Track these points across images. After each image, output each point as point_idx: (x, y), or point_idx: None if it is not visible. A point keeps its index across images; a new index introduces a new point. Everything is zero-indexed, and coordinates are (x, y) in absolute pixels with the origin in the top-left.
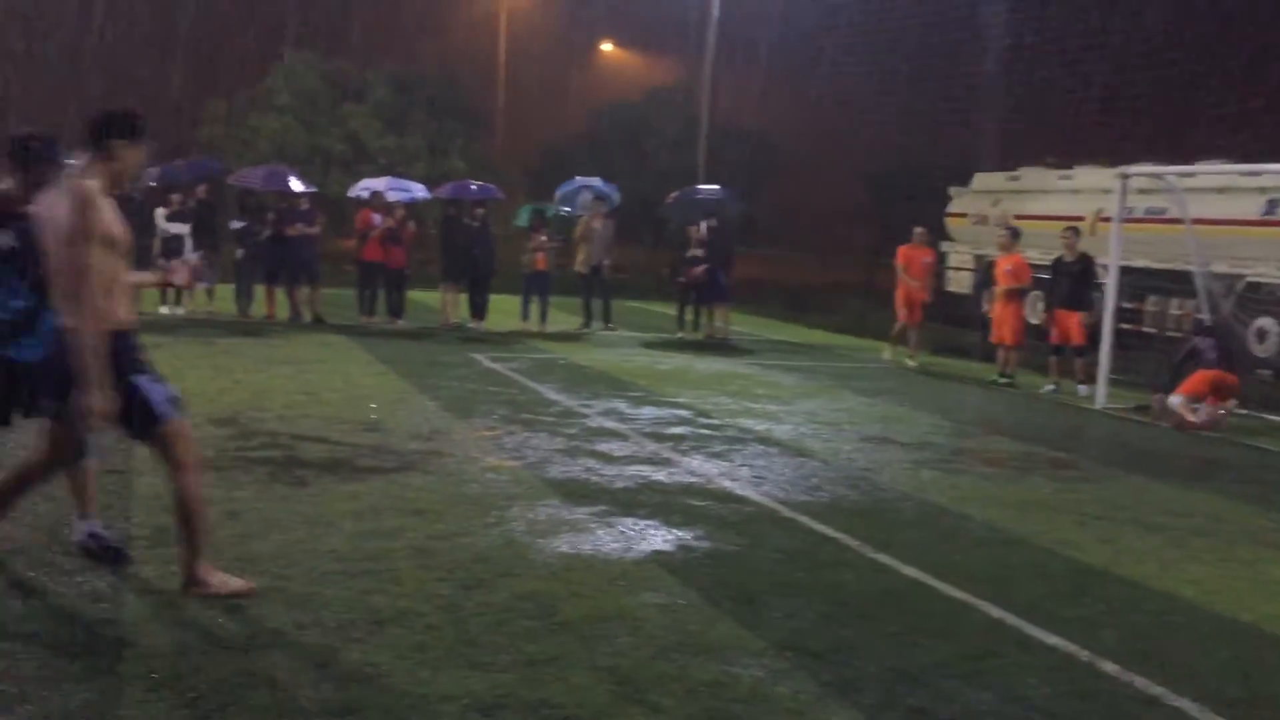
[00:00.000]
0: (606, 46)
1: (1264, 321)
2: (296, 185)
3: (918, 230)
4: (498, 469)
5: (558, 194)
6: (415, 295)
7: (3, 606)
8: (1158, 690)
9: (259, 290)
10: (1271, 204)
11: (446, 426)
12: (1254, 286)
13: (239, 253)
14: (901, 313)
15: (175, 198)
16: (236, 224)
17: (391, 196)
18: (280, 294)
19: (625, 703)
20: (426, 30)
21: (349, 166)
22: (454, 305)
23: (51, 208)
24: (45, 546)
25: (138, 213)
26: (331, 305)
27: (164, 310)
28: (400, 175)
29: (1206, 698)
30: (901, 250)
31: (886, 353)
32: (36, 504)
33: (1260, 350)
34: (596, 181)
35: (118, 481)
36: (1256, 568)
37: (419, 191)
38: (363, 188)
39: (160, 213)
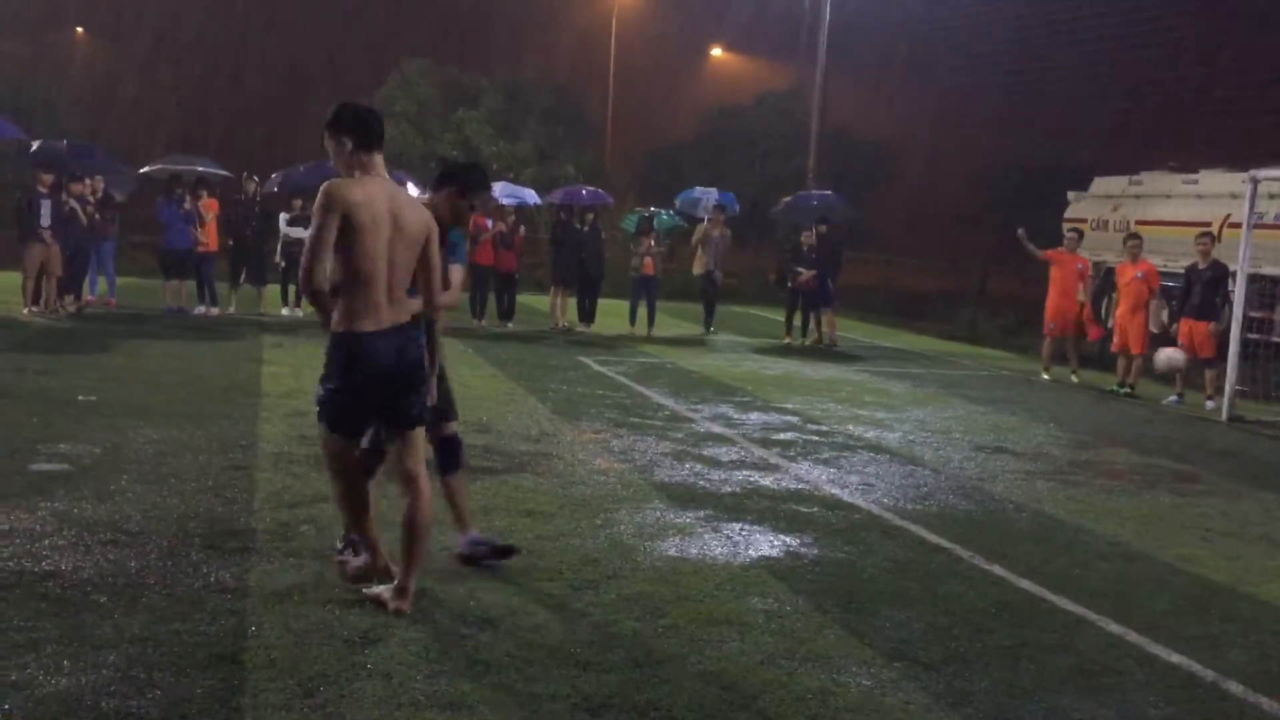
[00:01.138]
0: (716, 51)
1: None
2: (412, 190)
3: (1069, 235)
4: (605, 472)
5: (678, 202)
6: (525, 299)
7: (132, 595)
8: None
9: None
10: None
11: (555, 429)
12: None
13: None
14: (1050, 327)
15: (297, 202)
16: None
17: (504, 202)
18: None
19: (732, 708)
20: (538, 37)
21: None
22: (563, 309)
23: (402, 209)
24: (173, 539)
25: (261, 217)
26: None
27: (285, 312)
28: (512, 180)
29: None
30: (1049, 254)
31: (1045, 373)
32: (165, 497)
33: None
34: (714, 192)
35: (242, 477)
36: None
37: (530, 196)
38: None
39: (283, 217)
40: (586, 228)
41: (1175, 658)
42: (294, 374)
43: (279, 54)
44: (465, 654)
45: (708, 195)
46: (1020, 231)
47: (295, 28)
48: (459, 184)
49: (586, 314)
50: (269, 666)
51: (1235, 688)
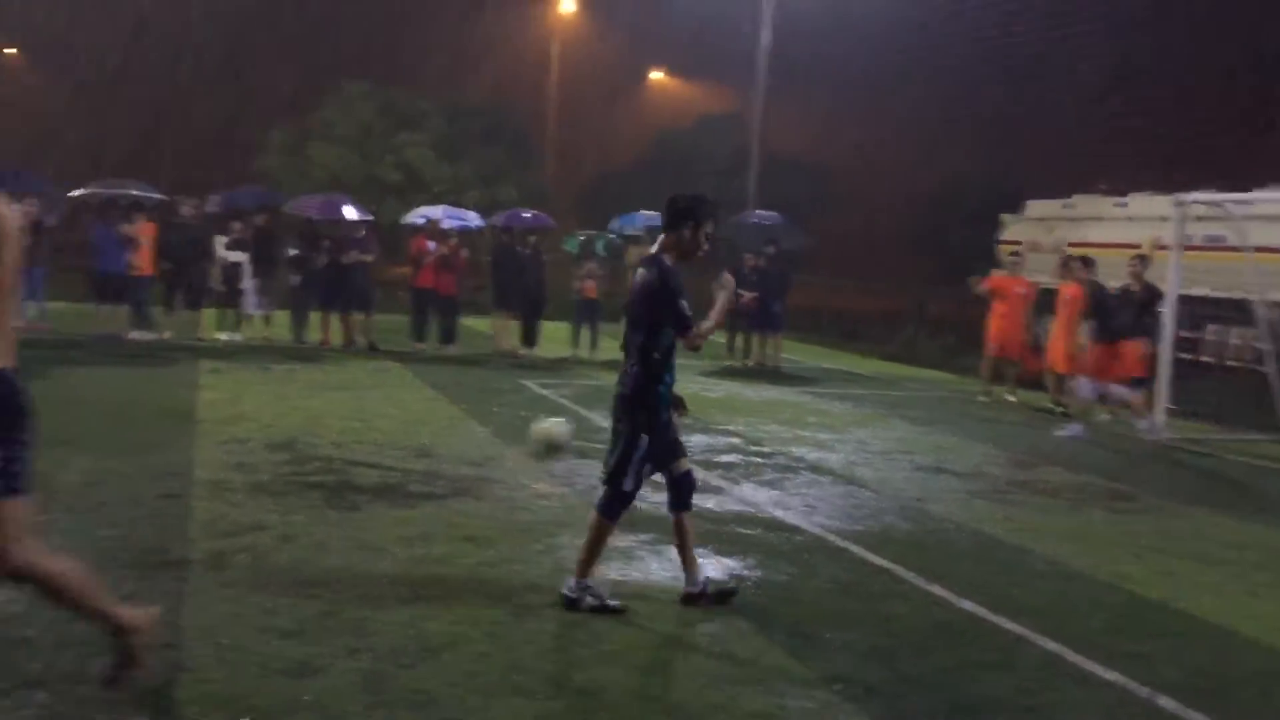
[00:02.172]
0: (658, 75)
1: None
2: (351, 213)
3: (1010, 258)
4: (548, 496)
5: (619, 224)
6: (467, 322)
7: (61, 629)
8: None
9: (314, 316)
10: None
11: (497, 453)
12: None
13: (295, 280)
14: (992, 347)
15: (236, 225)
16: (293, 251)
17: (446, 224)
18: (335, 320)
19: None
20: (479, 60)
21: (403, 195)
22: (506, 332)
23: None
24: (105, 570)
25: (198, 240)
26: (385, 332)
27: (222, 337)
28: (453, 204)
29: None
30: (994, 278)
31: (982, 394)
32: (97, 527)
33: None
34: (656, 215)
35: (176, 506)
36: None
37: (474, 219)
38: (419, 215)
39: (220, 240)
40: (529, 250)
41: (1110, 675)
42: (231, 400)
43: (216, 76)
44: (405, 685)
45: (648, 219)
46: (971, 280)
47: (232, 49)
48: (700, 216)
49: (529, 337)
50: (203, 701)
51: (1168, 703)
